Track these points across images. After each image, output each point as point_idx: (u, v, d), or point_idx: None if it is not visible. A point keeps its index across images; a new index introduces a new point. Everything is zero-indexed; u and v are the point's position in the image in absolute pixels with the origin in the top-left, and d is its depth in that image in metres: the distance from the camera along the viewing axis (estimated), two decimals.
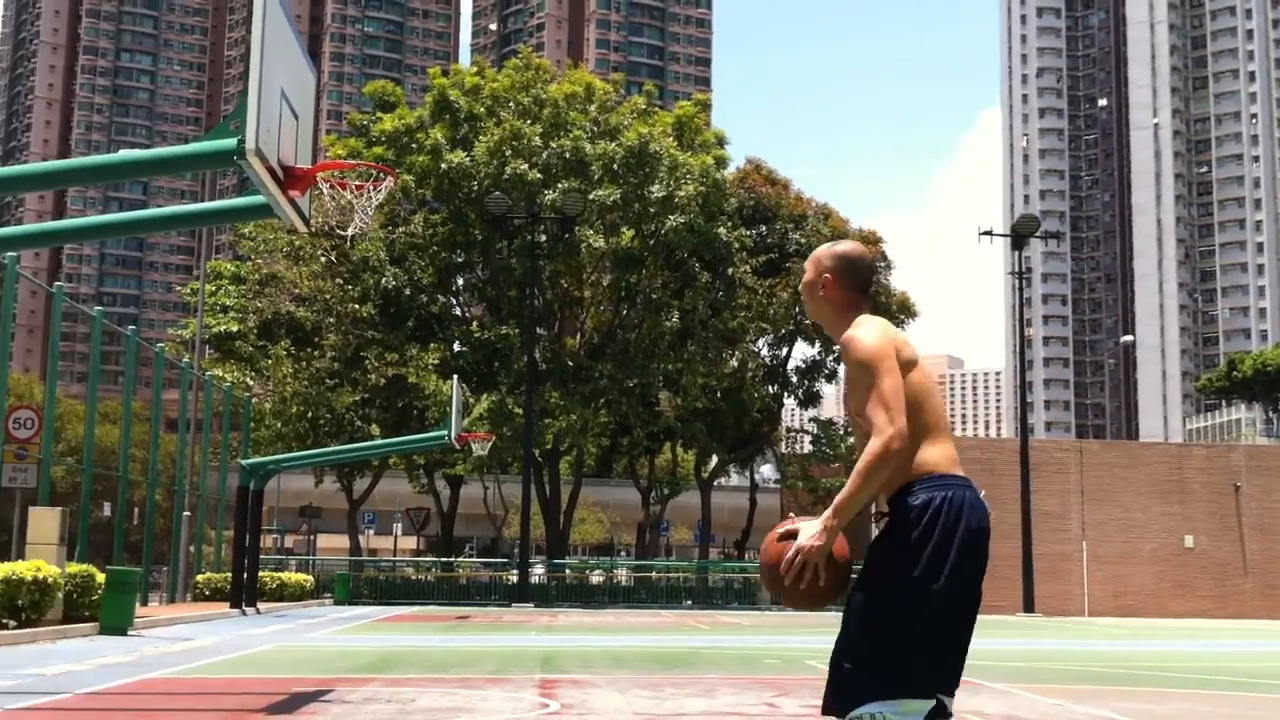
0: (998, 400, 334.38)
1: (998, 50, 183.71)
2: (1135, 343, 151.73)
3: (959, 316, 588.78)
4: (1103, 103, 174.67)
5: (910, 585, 3.87)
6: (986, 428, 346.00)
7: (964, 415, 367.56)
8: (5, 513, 22.69)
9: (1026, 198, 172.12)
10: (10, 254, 19.99)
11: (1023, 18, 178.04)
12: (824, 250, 4.28)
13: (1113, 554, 40.32)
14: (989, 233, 43.24)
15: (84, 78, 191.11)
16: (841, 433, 47.87)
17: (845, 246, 4.28)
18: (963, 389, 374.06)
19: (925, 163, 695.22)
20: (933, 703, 3.79)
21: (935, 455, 3.98)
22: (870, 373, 3.90)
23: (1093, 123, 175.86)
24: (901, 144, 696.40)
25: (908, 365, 3.98)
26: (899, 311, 46.46)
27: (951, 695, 3.87)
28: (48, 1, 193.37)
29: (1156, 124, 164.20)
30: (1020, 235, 42.68)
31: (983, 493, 4.26)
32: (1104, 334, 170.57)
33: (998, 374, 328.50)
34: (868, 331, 4.01)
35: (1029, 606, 38.23)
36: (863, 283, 4.23)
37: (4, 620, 15.36)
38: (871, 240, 46.87)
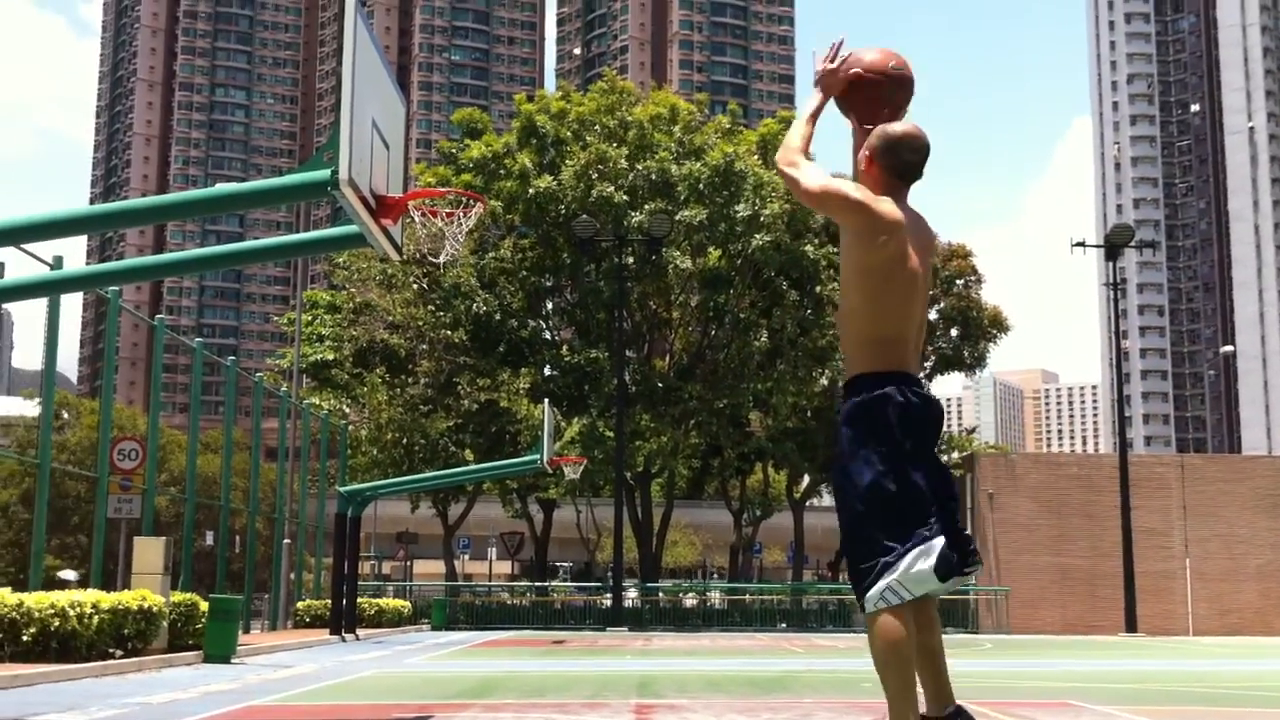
0: (1094, 415, 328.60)
1: (1086, 58, 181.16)
2: (1235, 353, 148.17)
3: (1053, 330, 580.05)
4: (1195, 108, 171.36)
5: (862, 466, 4.41)
6: (1084, 443, 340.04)
7: (1059, 430, 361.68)
8: (111, 542, 23.19)
9: (1120, 207, 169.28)
10: (113, 288, 20.50)
11: (1111, 24, 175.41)
12: (877, 129, 4.48)
13: (1217, 571, 39.39)
14: (1082, 244, 42.59)
15: (180, 113, 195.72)
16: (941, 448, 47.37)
17: (895, 128, 4.47)
18: (1058, 404, 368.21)
19: (1016, 174, 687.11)
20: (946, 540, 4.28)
21: (879, 353, 4.34)
22: (819, 198, 4.44)
23: (1185, 129, 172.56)
24: (991, 155, 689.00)
25: (884, 232, 4.26)
26: (991, 326, 45.90)
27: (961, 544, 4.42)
28: (144, 40, 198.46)
29: (1251, 128, 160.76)
30: (1114, 246, 41.98)
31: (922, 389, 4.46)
32: (1203, 344, 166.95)
33: (1094, 388, 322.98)
34: (871, 195, 4.37)
35: (1131, 626, 37.48)
36: (899, 165, 4.41)
37: (110, 649, 15.67)
38: (960, 254, 46.38)
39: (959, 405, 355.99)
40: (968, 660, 20.88)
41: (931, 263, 4.54)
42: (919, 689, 4.69)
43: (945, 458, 46.87)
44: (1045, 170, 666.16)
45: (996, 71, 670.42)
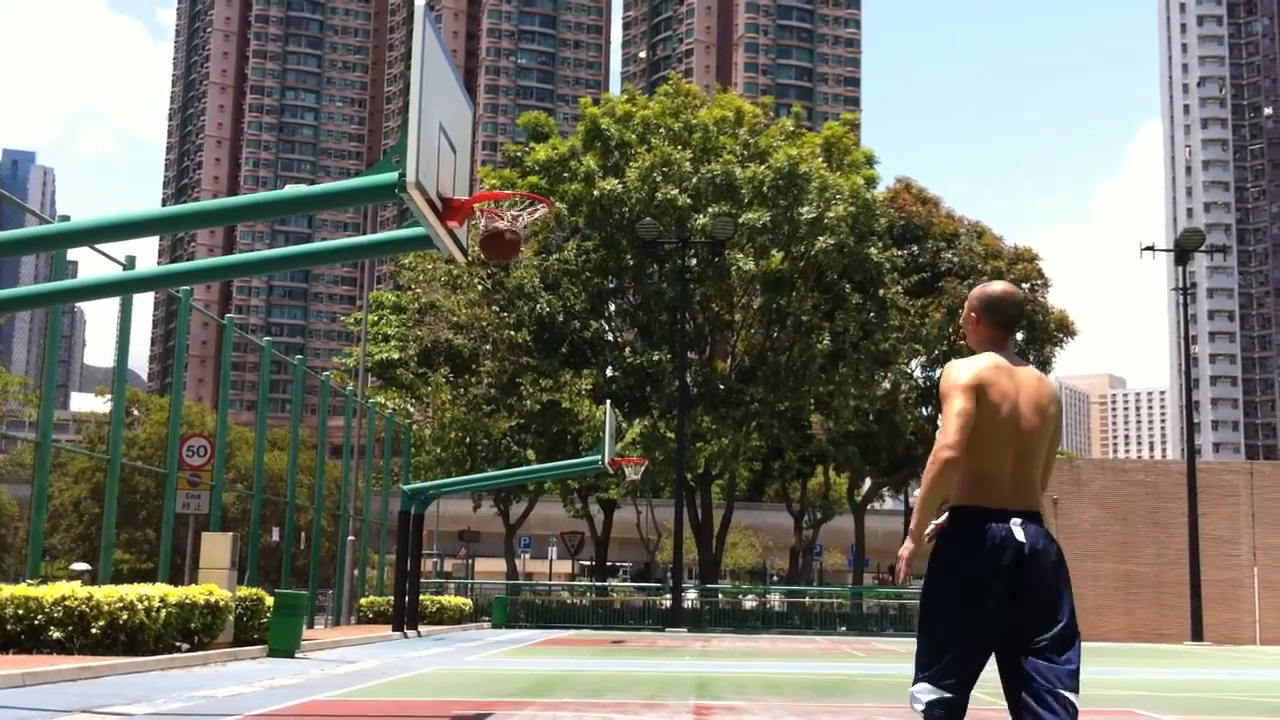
0: (1162, 421, 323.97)
1: (1158, 60, 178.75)
2: None
3: (1121, 334, 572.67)
4: (1268, 111, 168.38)
5: (929, 594, 4.89)
6: (1151, 449, 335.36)
7: (1126, 436, 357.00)
8: (179, 537, 23.57)
9: (1190, 211, 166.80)
10: (184, 288, 20.85)
11: (1183, 26, 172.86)
12: (976, 290, 5.05)
13: None
14: (1151, 248, 42.06)
15: (251, 116, 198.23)
16: None
17: (993, 288, 5.03)
18: (1125, 409, 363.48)
19: (1085, 177, 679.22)
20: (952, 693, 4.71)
21: (970, 489, 4.76)
22: (945, 398, 4.78)
23: (1258, 132, 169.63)
24: (1059, 158, 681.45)
25: (976, 396, 4.73)
26: (1057, 330, 45.42)
27: (966, 692, 4.76)
28: (216, 44, 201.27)
29: None
30: (1184, 250, 41.43)
31: (1018, 520, 4.80)
32: (1274, 350, 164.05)
33: (1162, 393, 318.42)
34: (965, 361, 4.91)
35: (1197, 635, 36.95)
36: (1004, 319, 4.99)
37: (177, 643, 15.92)
38: (1027, 258, 45.94)
39: None
40: None
41: (1043, 405, 4.88)
42: None
43: None
44: (1115, 173, 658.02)
45: (1066, 74, 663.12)
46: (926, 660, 4.75)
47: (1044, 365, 46.39)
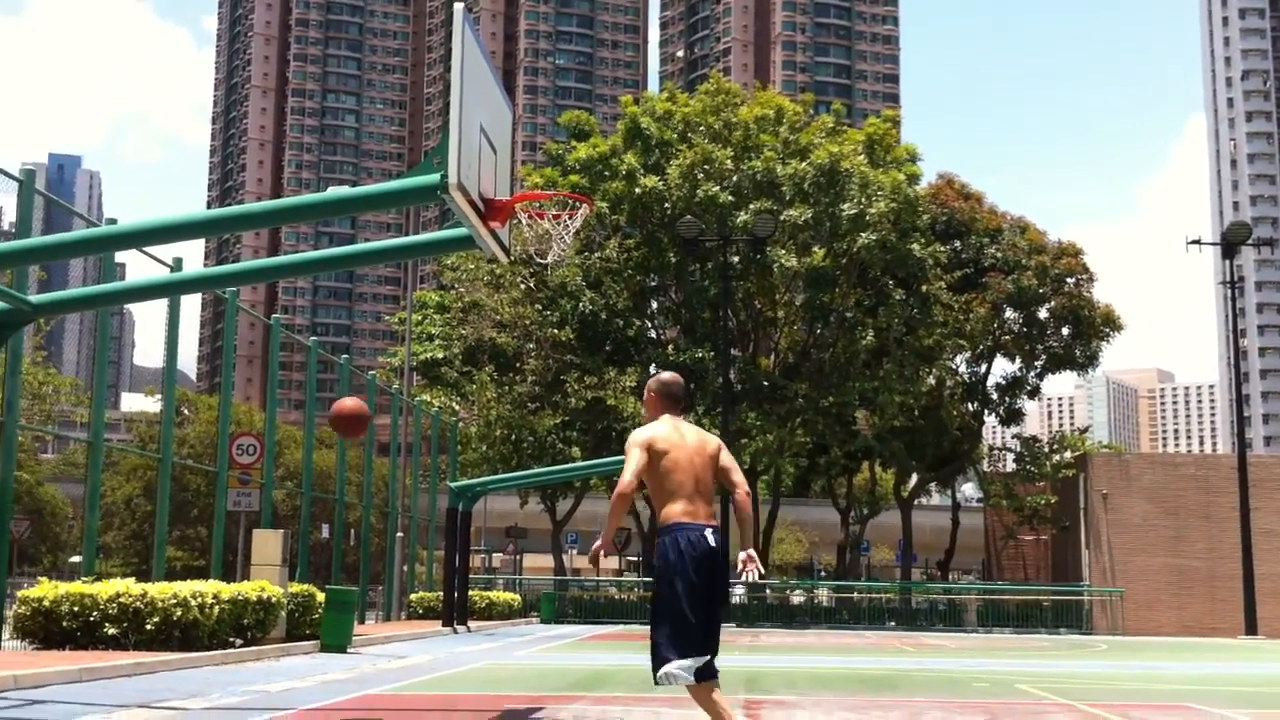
0: (1212, 415, 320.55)
1: (1200, 54, 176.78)
2: None
3: (1169, 328, 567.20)
4: None
5: (665, 589, 6.64)
6: (1200, 443, 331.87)
7: (1176, 431, 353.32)
8: (230, 535, 23.80)
9: (1236, 204, 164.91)
10: (231, 289, 21.06)
11: (1225, 19, 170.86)
12: (651, 380, 7.08)
13: None
14: (1197, 242, 41.70)
15: (293, 119, 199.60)
16: (1046, 450, 46.54)
17: (664, 376, 7.10)
18: (1174, 404, 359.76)
19: (1129, 170, 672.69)
20: (705, 658, 6.56)
21: (674, 510, 6.71)
22: (627, 452, 6.78)
23: None
24: (1103, 152, 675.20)
25: (659, 452, 6.74)
26: (1104, 325, 44.94)
27: (713, 655, 6.62)
28: (257, 47, 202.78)
29: None
30: (1231, 244, 41.02)
31: (708, 530, 6.68)
32: None
33: (1211, 387, 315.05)
34: (641, 429, 6.91)
35: (1251, 629, 36.60)
36: (673, 396, 7.03)
37: (231, 638, 16.09)
38: (1071, 252, 45.51)
39: (1070, 405, 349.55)
40: (1083, 662, 20.58)
41: (705, 448, 6.91)
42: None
43: (1056, 457, 46.10)
44: (1161, 167, 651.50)
45: (1110, 68, 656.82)
46: (671, 640, 6.55)
47: (1091, 360, 45.98)
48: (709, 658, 6.57)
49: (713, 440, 7.00)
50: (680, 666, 6.46)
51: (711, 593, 6.61)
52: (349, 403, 7.78)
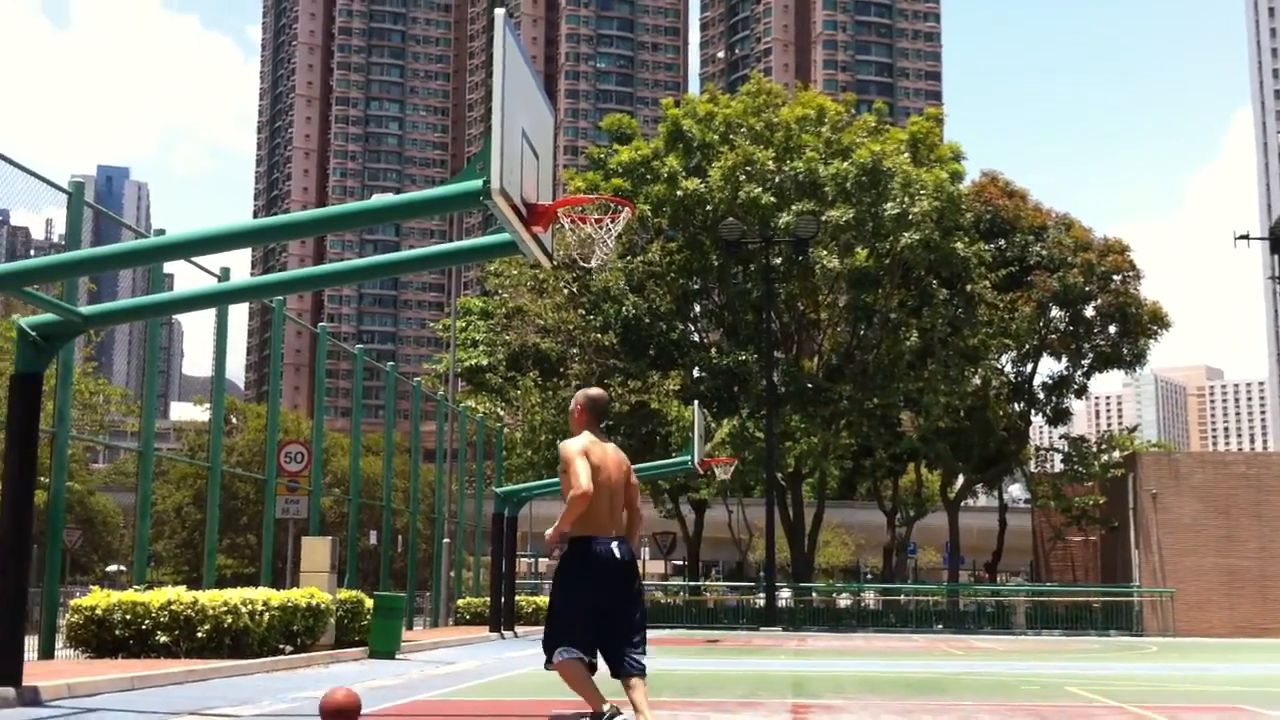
0: (1262, 412, 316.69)
1: (1246, 47, 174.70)
2: None
3: (1217, 325, 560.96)
4: None
5: (564, 594, 7.49)
6: (1251, 441, 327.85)
7: (1225, 429, 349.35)
8: (279, 542, 23.99)
9: None
10: (278, 298, 21.24)
11: (1271, 10, 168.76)
12: (579, 394, 7.73)
13: None
14: (1245, 236, 41.36)
15: (337, 127, 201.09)
16: (1094, 450, 46.09)
17: (591, 392, 7.75)
18: (1223, 401, 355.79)
19: (1176, 165, 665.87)
20: (580, 652, 7.36)
21: (588, 523, 7.41)
22: (570, 463, 7.45)
23: None
24: (1149, 147, 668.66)
25: (591, 466, 7.41)
26: (1151, 322, 44.48)
27: (592, 654, 7.43)
28: (301, 56, 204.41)
29: None
30: (1278, 238, 40.56)
31: (614, 543, 7.50)
32: None
33: (1261, 384, 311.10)
34: (575, 440, 7.58)
35: None
36: (597, 412, 7.73)
37: (281, 645, 16.21)
38: (1117, 249, 45.06)
39: (1119, 404, 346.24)
40: (1132, 664, 20.39)
41: (621, 466, 7.73)
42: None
43: (1105, 457, 45.64)
44: (1209, 161, 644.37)
45: (1155, 62, 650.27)
46: (560, 631, 7.41)
47: (1138, 358, 45.52)
48: (587, 653, 7.38)
49: (626, 461, 7.80)
50: (562, 655, 7.33)
51: (613, 602, 7.39)
52: (340, 694, 8.04)
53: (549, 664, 7.47)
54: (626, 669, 7.39)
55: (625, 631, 7.46)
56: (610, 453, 7.65)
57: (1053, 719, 10.30)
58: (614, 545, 7.43)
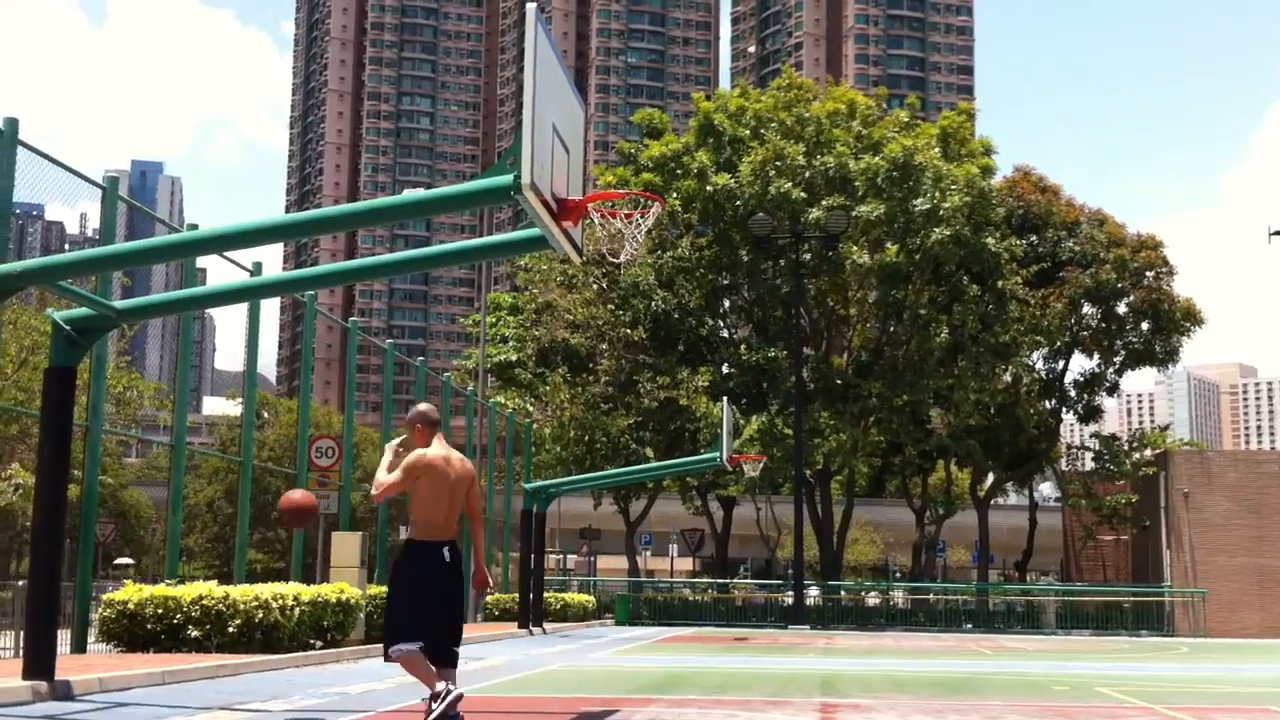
0: None
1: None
2: None
3: (1251, 322, 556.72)
4: None
5: (400, 591, 8.25)
6: None
7: (1259, 427, 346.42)
8: (310, 537, 24.10)
9: None
10: (309, 292, 21.32)
11: None
12: (411, 412, 8.40)
13: None
14: (1279, 232, 40.93)
15: (369, 122, 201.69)
16: (1126, 448, 45.79)
17: (421, 408, 8.43)
18: (1257, 399, 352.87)
19: (1210, 160, 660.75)
20: (419, 643, 8.05)
21: (421, 530, 8.18)
22: (404, 463, 8.18)
23: None
24: (1182, 142, 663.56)
25: (432, 475, 8.14)
26: (1184, 319, 44.14)
27: (442, 643, 8.16)
28: (334, 52, 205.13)
29: None
30: None
31: (445, 547, 8.21)
32: None
33: None
34: (422, 452, 8.20)
35: None
36: (430, 424, 8.37)
37: (311, 640, 16.28)
38: (1150, 245, 44.74)
39: (1150, 401, 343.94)
40: (1164, 664, 20.25)
41: (461, 474, 8.37)
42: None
43: (1136, 455, 45.34)
44: (1243, 157, 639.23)
45: (1189, 56, 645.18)
46: (398, 627, 8.06)
47: (1171, 356, 45.20)
48: (424, 644, 8.10)
49: (469, 469, 8.49)
50: (402, 649, 8.01)
51: (440, 600, 8.15)
52: (297, 494, 8.37)
53: (388, 657, 8.12)
54: (444, 660, 8.17)
55: (446, 627, 8.22)
56: (454, 461, 8.32)
57: (1082, 719, 10.23)
58: (445, 550, 8.17)
